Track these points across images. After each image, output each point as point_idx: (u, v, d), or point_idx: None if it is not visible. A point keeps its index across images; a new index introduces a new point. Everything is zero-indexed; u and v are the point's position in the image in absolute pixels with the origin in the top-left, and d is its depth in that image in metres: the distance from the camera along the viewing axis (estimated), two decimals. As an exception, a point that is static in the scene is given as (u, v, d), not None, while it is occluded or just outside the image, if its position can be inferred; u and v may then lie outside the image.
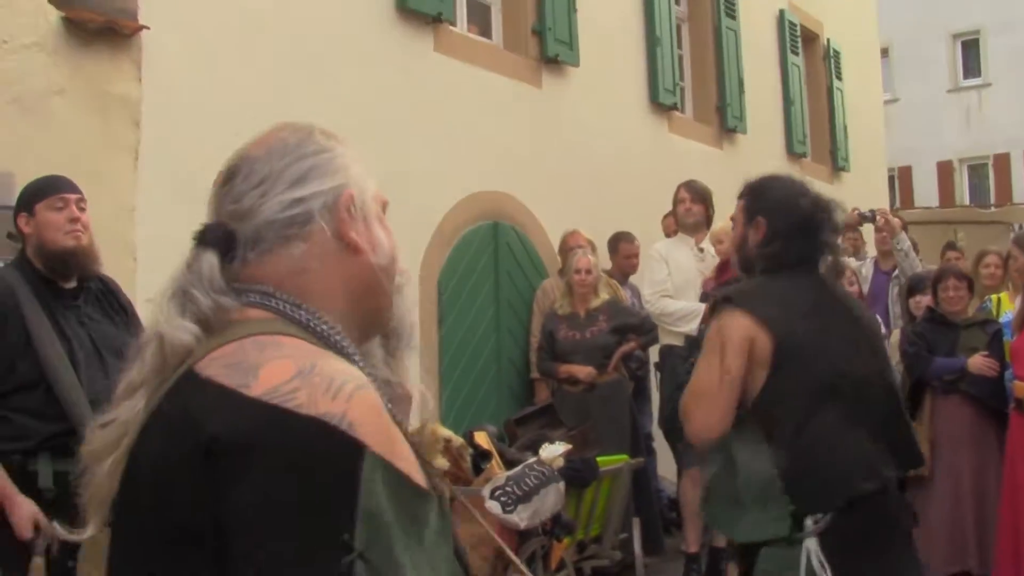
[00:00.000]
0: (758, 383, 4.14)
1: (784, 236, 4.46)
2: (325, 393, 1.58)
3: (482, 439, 8.04)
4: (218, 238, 1.86)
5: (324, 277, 1.86)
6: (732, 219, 4.91)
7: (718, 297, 4.44)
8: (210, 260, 1.83)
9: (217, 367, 1.65)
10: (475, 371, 10.09)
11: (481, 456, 7.87)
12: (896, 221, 10.08)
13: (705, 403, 4.19)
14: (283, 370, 1.61)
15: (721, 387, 4.13)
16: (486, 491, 7.13)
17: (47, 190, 4.87)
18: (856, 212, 10.50)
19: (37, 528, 4.48)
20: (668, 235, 10.44)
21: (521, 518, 7.08)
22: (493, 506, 7.06)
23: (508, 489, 7.12)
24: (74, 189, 4.91)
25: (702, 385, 4.23)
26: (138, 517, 1.66)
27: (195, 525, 1.55)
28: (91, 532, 1.74)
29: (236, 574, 1.48)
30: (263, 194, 1.86)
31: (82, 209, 4.88)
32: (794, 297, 4.36)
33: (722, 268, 8.29)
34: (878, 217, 10.18)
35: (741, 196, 4.80)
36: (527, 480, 7.15)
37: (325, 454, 1.52)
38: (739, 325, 4.19)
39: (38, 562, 4.46)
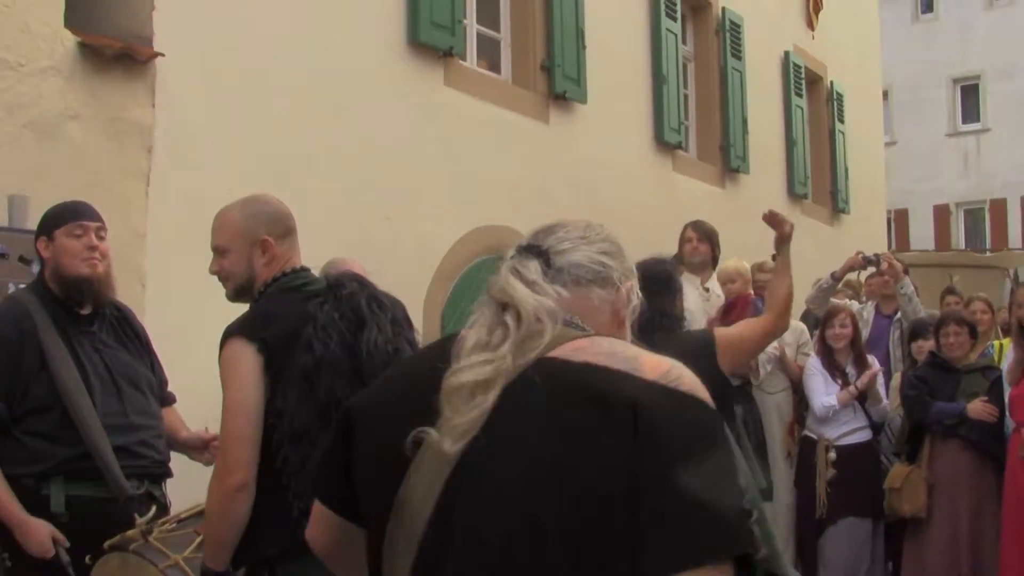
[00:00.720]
0: None
1: None
2: (688, 380, 2.08)
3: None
4: (540, 252, 2.34)
5: (598, 314, 2.33)
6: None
7: None
8: (535, 264, 2.30)
9: (588, 355, 2.10)
10: (476, 404, 10.05)
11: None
12: (899, 265, 10.11)
13: None
14: (660, 363, 2.10)
15: None
16: None
17: (67, 216, 4.88)
18: (860, 256, 10.53)
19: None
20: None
21: None
22: None
23: None
24: (95, 217, 4.92)
25: None
26: (521, 454, 2.02)
27: (599, 473, 1.95)
28: (449, 448, 2.04)
29: (663, 505, 1.90)
30: (579, 246, 2.37)
31: (101, 238, 4.89)
32: None
33: (728, 308, 8.33)
34: (882, 261, 10.20)
35: None
36: None
37: (711, 420, 2.04)
38: None
39: None
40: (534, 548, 1.96)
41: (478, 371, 2.09)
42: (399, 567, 2.10)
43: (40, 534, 4.48)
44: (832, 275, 10.42)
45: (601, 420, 1.99)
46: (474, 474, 2.05)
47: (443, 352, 2.18)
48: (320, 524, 2.44)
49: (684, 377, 2.08)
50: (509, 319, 2.16)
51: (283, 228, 4.18)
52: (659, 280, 6.26)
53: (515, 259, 2.30)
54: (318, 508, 2.42)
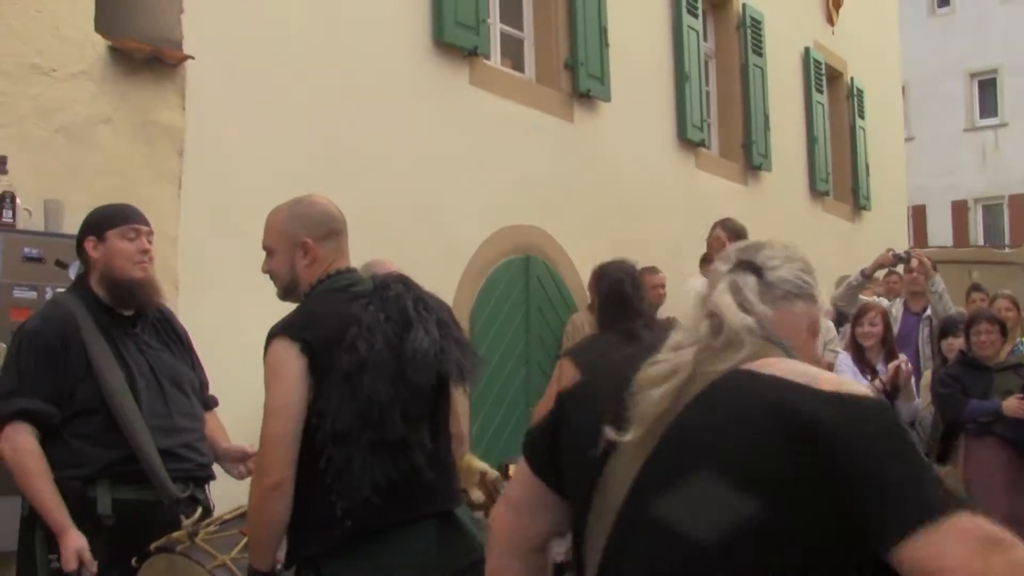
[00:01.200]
0: None
1: None
2: (859, 388, 2.30)
3: (516, 472, 8.03)
4: (755, 267, 2.50)
5: (798, 326, 2.57)
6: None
7: None
8: (753, 280, 2.48)
9: (775, 369, 2.28)
10: (504, 405, 10.12)
11: (515, 490, 7.85)
12: (929, 262, 10.09)
13: None
14: (833, 377, 2.31)
15: None
16: None
17: (120, 218, 4.87)
18: (891, 253, 10.50)
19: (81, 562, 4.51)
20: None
21: (558, 552, 7.09)
22: None
23: None
24: (146, 222, 4.93)
25: None
26: (699, 445, 2.24)
27: (767, 470, 2.17)
28: (632, 436, 2.27)
29: (878, 487, 2.11)
30: (785, 263, 2.56)
31: (150, 242, 4.90)
32: None
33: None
34: (913, 259, 10.18)
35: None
36: None
37: (889, 414, 2.25)
38: None
39: None
40: (717, 541, 2.18)
41: (660, 367, 2.32)
42: (598, 539, 2.36)
43: (68, 547, 4.47)
44: (862, 272, 10.41)
45: (784, 429, 2.19)
46: (663, 465, 2.28)
47: (651, 349, 2.41)
48: (520, 481, 2.68)
49: (855, 386, 2.30)
50: (707, 328, 2.37)
51: (326, 230, 4.17)
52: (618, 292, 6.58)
53: (733, 273, 2.50)
54: (523, 467, 2.65)
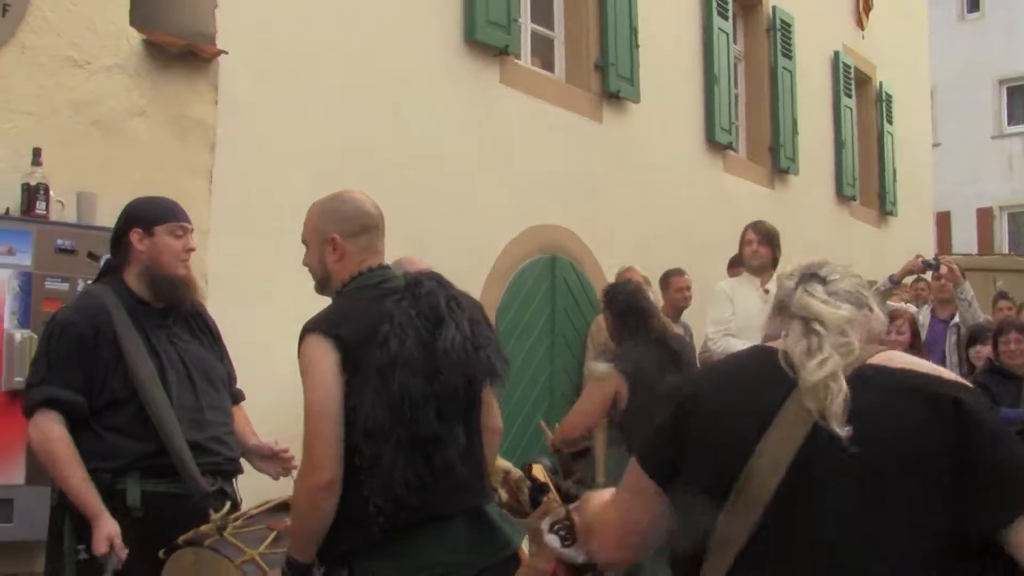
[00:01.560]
0: None
1: None
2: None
3: (539, 472, 8.04)
4: (820, 279, 2.81)
5: (862, 333, 2.79)
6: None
7: None
8: (821, 288, 2.78)
9: (900, 363, 2.69)
10: (528, 404, 10.12)
11: (539, 489, 7.86)
12: (958, 269, 10.06)
13: None
14: (945, 371, 2.78)
15: None
16: (545, 524, 7.12)
17: (169, 215, 4.89)
18: (920, 259, 10.46)
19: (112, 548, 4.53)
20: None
21: (579, 552, 7.08)
22: (552, 540, 7.07)
23: (567, 523, 7.13)
24: (189, 219, 4.98)
25: None
26: (869, 433, 2.56)
27: (931, 450, 2.53)
28: (842, 429, 2.56)
29: (994, 472, 2.50)
30: (844, 277, 2.85)
31: (192, 241, 4.97)
32: None
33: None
34: (942, 265, 10.15)
35: None
36: None
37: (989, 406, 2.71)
38: None
39: None
40: (883, 507, 2.56)
41: (824, 369, 2.63)
42: (739, 524, 2.66)
43: (99, 532, 4.48)
44: (890, 278, 10.38)
45: (930, 411, 2.57)
46: (825, 447, 2.59)
47: (764, 360, 2.76)
48: (633, 476, 2.91)
49: (955, 379, 2.71)
50: (818, 327, 2.70)
51: (356, 227, 4.17)
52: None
53: (802, 284, 2.80)
54: (634, 466, 2.90)
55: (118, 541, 4.49)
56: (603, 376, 7.13)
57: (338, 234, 4.15)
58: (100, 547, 4.48)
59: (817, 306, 2.75)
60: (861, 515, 2.58)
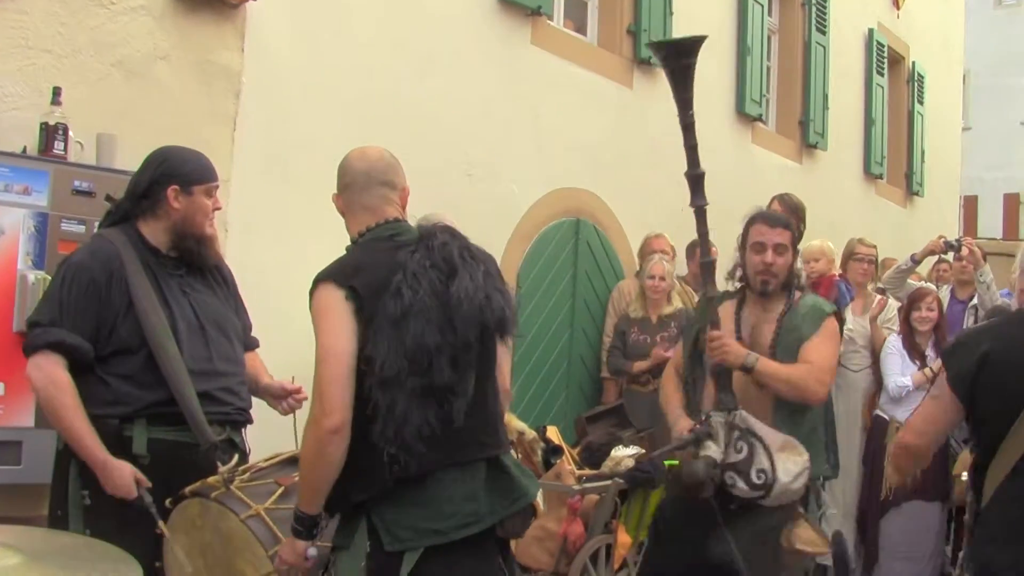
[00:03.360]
0: None
1: None
2: None
3: (554, 434, 8.03)
4: None
5: None
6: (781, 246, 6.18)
7: None
8: None
9: None
10: (546, 365, 10.07)
11: (552, 451, 7.85)
12: (979, 252, 9.96)
13: None
14: None
15: None
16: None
17: (207, 175, 4.86)
18: (942, 240, 10.39)
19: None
20: None
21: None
22: None
23: None
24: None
25: None
26: None
27: None
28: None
29: None
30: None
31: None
32: None
33: (812, 287, 8.17)
34: (964, 247, 10.06)
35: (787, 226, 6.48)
36: None
37: None
38: None
39: (162, 525, 4.44)
40: None
41: None
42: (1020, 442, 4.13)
43: (124, 475, 4.44)
44: (912, 257, 10.34)
45: None
46: None
47: None
48: (944, 393, 4.40)
49: None
50: None
51: (343, 183, 4.24)
52: None
53: None
54: (946, 385, 4.39)
55: (140, 475, 4.48)
56: None
57: (339, 187, 4.25)
58: (128, 490, 4.44)
59: None
60: None
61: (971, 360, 4.24)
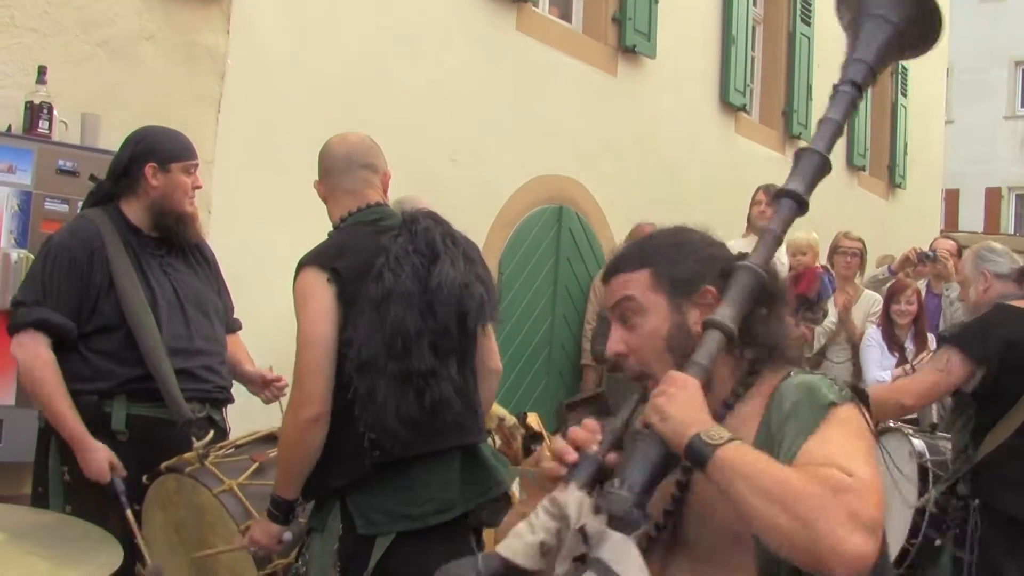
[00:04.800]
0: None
1: None
2: None
3: (534, 421, 8.06)
4: None
5: None
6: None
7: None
8: None
9: None
10: (528, 352, 10.09)
11: (532, 438, 7.88)
12: (951, 269, 9.66)
13: None
14: None
15: None
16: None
17: (185, 153, 4.87)
18: (916, 251, 10.15)
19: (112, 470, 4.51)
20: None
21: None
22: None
23: None
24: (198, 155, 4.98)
25: None
26: None
27: None
28: None
29: None
30: None
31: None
32: None
33: (794, 280, 8.20)
34: (939, 258, 9.76)
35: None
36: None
37: None
38: None
39: (129, 515, 4.46)
40: None
41: None
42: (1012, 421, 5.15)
43: (98, 458, 4.47)
44: (889, 268, 10.24)
45: None
46: None
47: None
48: (955, 363, 5.20)
49: None
50: None
51: (324, 167, 4.26)
52: None
53: None
54: (958, 354, 5.27)
55: (116, 461, 4.51)
56: None
57: (319, 176, 4.27)
58: (102, 474, 4.46)
59: None
60: None
61: (999, 343, 5.27)
